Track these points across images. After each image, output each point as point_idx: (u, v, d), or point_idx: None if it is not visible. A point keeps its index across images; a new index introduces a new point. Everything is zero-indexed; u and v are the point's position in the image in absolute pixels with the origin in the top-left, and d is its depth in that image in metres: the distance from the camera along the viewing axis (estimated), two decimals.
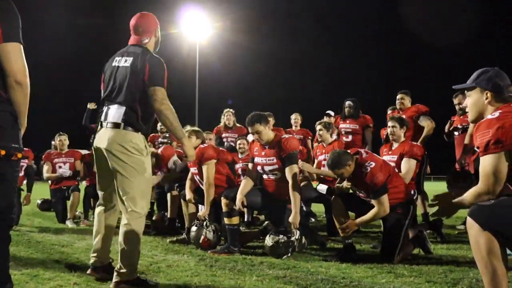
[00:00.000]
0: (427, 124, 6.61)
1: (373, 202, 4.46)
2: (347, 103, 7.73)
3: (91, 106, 9.29)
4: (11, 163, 2.46)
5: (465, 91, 2.90)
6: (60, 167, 8.08)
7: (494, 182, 2.45)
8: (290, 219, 4.85)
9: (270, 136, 5.11)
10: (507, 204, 2.44)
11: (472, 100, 2.80)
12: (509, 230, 2.39)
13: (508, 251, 2.56)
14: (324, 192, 6.04)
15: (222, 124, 8.91)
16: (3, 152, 2.40)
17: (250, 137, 6.40)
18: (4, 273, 2.51)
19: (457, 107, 6.78)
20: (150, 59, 3.53)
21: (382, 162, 4.61)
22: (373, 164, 4.48)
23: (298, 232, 4.82)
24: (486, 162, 2.49)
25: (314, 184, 6.85)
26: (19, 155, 2.48)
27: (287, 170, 4.93)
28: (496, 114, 2.55)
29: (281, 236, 4.72)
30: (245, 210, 6.48)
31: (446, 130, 6.93)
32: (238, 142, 7.17)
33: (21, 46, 2.47)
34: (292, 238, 4.74)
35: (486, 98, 2.71)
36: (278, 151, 4.98)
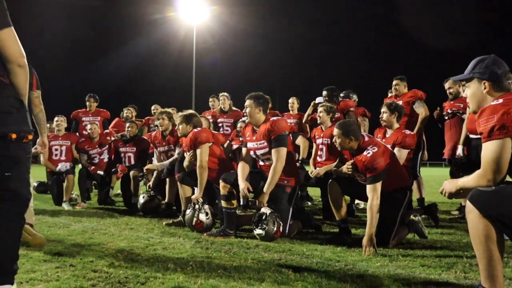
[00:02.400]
0: (421, 112, 6.59)
1: (367, 188, 4.42)
2: (323, 93, 7.68)
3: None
4: (23, 145, 2.53)
5: (464, 82, 2.88)
6: (56, 149, 8.05)
7: (495, 169, 2.43)
8: (259, 198, 4.92)
9: (260, 118, 5.09)
10: (507, 192, 2.43)
11: (471, 91, 2.78)
12: (507, 218, 2.39)
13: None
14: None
15: (217, 108, 8.92)
16: (14, 136, 2.46)
17: None
18: (16, 252, 2.61)
19: (448, 92, 6.75)
20: None
21: (384, 148, 4.60)
22: (376, 148, 4.48)
23: (268, 210, 4.82)
24: (488, 148, 2.46)
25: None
26: (30, 137, 2.55)
27: (273, 151, 4.91)
28: (501, 100, 2.52)
29: (263, 219, 4.75)
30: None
31: (435, 117, 6.89)
32: (239, 125, 7.16)
33: (13, 29, 2.47)
34: (269, 212, 4.77)
35: (485, 88, 2.69)
36: (267, 134, 4.97)
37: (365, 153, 4.45)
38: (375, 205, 4.29)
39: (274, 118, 5.11)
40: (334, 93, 7.42)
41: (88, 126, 8.36)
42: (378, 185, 4.36)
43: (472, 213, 2.51)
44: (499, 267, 2.48)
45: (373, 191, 4.33)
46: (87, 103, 9.62)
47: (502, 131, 2.41)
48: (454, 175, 6.51)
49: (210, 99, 9.43)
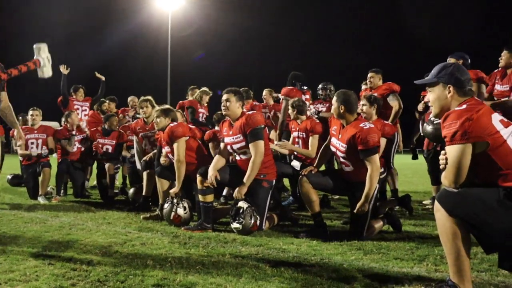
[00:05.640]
0: (395, 105, 6.72)
1: (366, 162, 4.51)
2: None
3: (64, 70, 9.27)
4: None
5: (427, 87, 2.99)
6: (32, 143, 7.97)
7: (456, 172, 2.56)
8: (237, 189, 4.99)
9: (238, 112, 5.14)
10: (471, 193, 2.55)
11: (435, 95, 2.88)
12: (471, 219, 2.51)
13: None
14: (298, 168, 6.12)
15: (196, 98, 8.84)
16: None
17: None
18: None
19: None
20: None
21: (377, 130, 4.75)
22: (373, 125, 4.63)
23: (245, 204, 4.90)
24: (451, 153, 2.60)
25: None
26: None
27: (251, 146, 4.97)
28: (464, 106, 2.64)
29: (240, 212, 4.83)
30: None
31: (420, 109, 7.00)
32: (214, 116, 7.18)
33: None
34: (246, 206, 4.85)
35: (449, 92, 2.80)
36: (243, 128, 5.02)
37: (361, 124, 4.58)
38: (374, 176, 4.49)
39: (249, 112, 5.16)
40: (293, 81, 7.58)
41: (67, 114, 8.36)
42: (375, 157, 4.51)
43: (439, 212, 2.62)
44: (466, 263, 2.60)
45: (371, 163, 4.49)
46: (78, 93, 9.74)
47: (464, 137, 2.53)
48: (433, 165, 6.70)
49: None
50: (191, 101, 8.41)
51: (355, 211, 4.53)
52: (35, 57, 3.28)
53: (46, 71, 3.37)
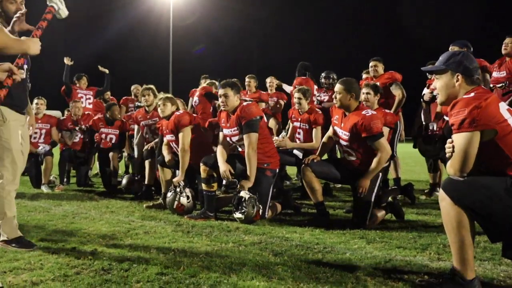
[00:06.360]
0: (398, 94, 6.69)
1: (375, 147, 4.55)
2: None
3: (68, 61, 9.28)
4: None
5: (434, 74, 2.96)
6: (36, 132, 7.95)
7: (463, 161, 2.54)
8: (242, 181, 4.97)
9: (236, 104, 5.12)
10: (478, 182, 2.55)
11: (442, 83, 2.85)
12: (478, 208, 2.51)
13: None
14: (300, 157, 6.12)
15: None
16: None
17: None
18: None
19: None
20: None
21: (380, 117, 4.76)
22: (375, 112, 4.65)
23: (247, 195, 4.88)
24: (458, 141, 2.57)
25: None
26: None
27: (244, 137, 4.95)
28: (472, 94, 2.63)
29: (243, 202, 4.81)
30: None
31: (426, 99, 6.93)
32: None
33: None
34: (248, 196, 4.84)
35: (457, 81, 2.78)
36: (238, 120, 5.00)
37: (363, 112, 4.58)
38: (383, 158, 4.56)
39: (245, 103, 5.13)
40: (304, 71, 7.59)
41: (71, 104, 8.38)
42: (382, 140, 4.56)
43: (444, 201, 2.62)
44: (470, 252, 2.60)
45: (380, 147, 4.54)
46: (81, 81, 9.70)
47: (472, 124, 2.51)
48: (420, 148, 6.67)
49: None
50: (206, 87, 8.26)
51: (359, 187, 4.57)
52: (48, 3, 3.28)
53: (63, 12, 3.39)
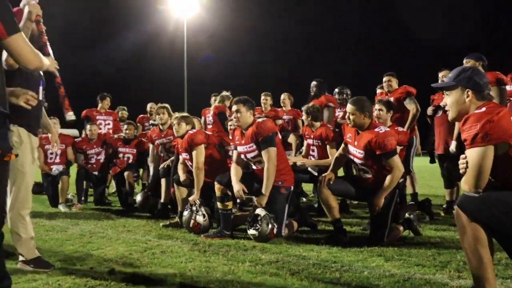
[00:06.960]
0: (412, 108, 6.63)
1: (389, 164, 4.54)
2: (312, 83, 7.76)
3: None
4: (3, 164, 2.42)
5: (444, 90, 2.94)
6: (51, 153, 8.03)
7: (477, 176, 2.51)
8: (257, 198, 4.97)
9: (249, 121, 5.13)
10: (493, 197, 2.51)
11: (453, 99, 2.84)
12: (494, 224, 2.47)
13: None
14: (315, 174, 6.09)
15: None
16: None
17: None
18: (0, 270, 2.54)
19: (440, 81, 6.73)
20: None
21: (394, 133, 4.76)
22: (388, 129, 4.64)
23: (263, 212, 4.86)
24: (471, 156, 2.55)
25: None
26: (13, 157, 2.43)
27: (263, 153, 4.95)
28: (484, 108, 2.61)
29: (258, 219, 4.80)
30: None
31: (429, 113, 6.89)
32: (229, 123, 7.19)
33: (22, 34, 2.45)
34: (264, 213, 4.82)
35: (467, 96, 2.76)
36: (254, 136, 5.01)
37: (376, 129, 4.56)
38: (396, 176, 4.53)
39: (259, 120, 5.14)
40: (321, 86, 7.55)
41: (88, 127, 8.41)
42: (396, 158, 4.54)
43: (460, 218, 2.58)
44: (490, 269, 2.55)
45: (393, 165, 4.52)
46: (104, 101, 9.45)
47: (485, 139, 2.48)
48: (450, 170, 6.57)
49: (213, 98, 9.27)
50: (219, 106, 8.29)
51: (373, 206, 4.55)
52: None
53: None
